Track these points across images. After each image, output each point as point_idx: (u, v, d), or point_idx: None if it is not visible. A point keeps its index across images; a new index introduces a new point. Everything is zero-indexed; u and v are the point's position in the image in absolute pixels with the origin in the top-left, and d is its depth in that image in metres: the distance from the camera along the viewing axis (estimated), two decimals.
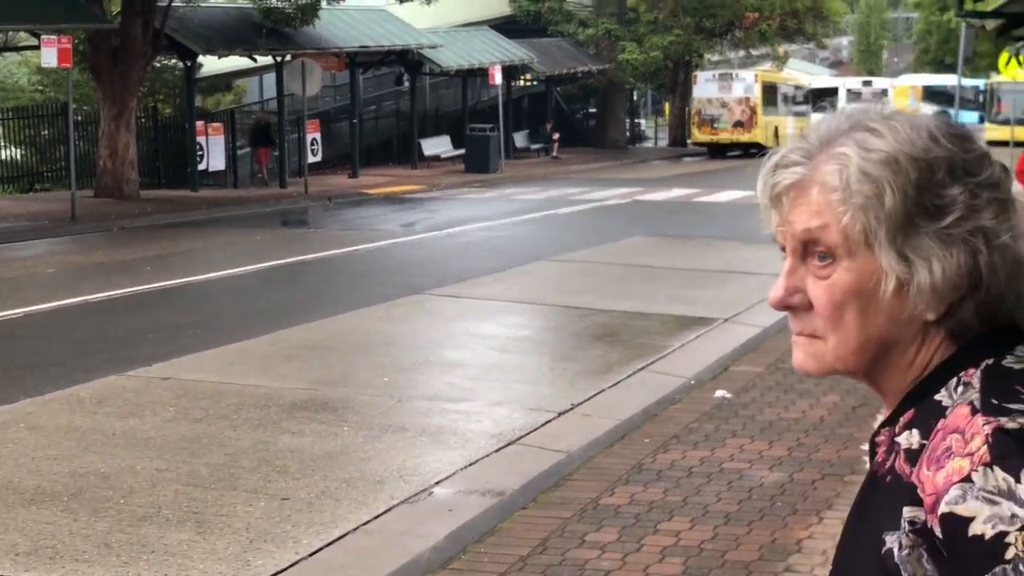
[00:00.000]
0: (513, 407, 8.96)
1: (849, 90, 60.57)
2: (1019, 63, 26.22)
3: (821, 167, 1.34)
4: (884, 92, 61.48)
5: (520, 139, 45.48)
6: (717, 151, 46.41)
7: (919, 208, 1.30)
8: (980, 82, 57.10)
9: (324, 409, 8.83)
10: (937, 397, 1.32)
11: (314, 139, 32.35)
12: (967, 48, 24.20)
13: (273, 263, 17.08)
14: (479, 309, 13.42)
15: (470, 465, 7.48)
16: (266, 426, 8.36)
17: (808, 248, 1.36)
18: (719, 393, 8.93)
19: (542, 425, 8.38)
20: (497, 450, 7.82)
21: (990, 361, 1.31)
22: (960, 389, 1.31)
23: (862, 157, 1.31)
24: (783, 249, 1.40)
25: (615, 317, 12.66)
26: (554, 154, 43.96)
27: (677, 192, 29.30)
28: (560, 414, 8.68)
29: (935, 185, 1.30)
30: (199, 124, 29.75)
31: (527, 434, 8.16)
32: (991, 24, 17.45)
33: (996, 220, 1.31)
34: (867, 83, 63.52)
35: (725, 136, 46.04)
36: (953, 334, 1.34)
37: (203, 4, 31.01)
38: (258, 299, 14.35)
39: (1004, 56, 27.04)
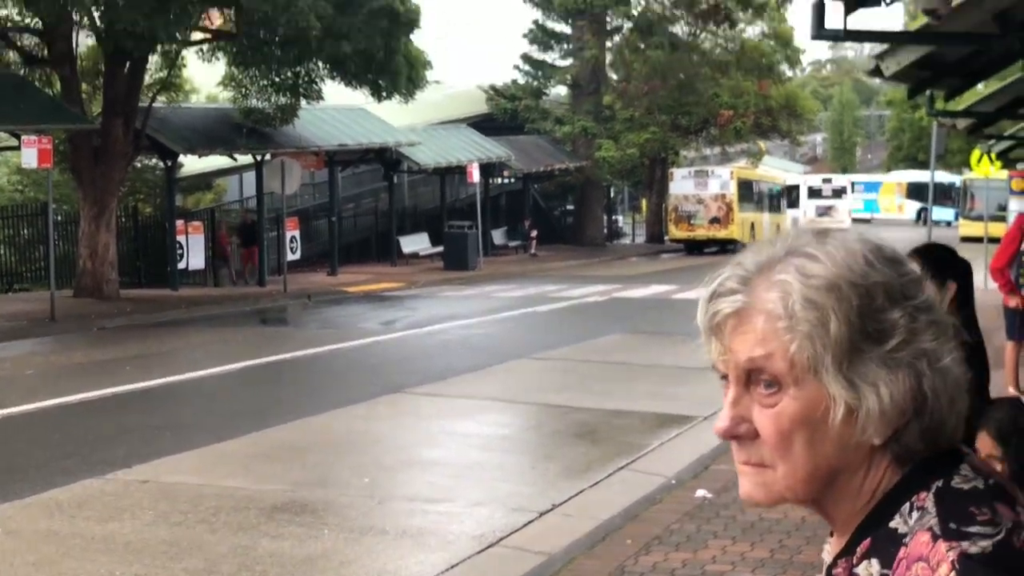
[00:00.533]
0: (494, 507, 8.94)
1: (810, 187, 61.61)
2: (991, 160, 26.58)
3: (762, 295, 1.33)
4: (843, 189, 62.67)
5: (498, 236, 45.72)
6: (694, 247, 46.73)
7: (863, 334, 1.30)
8: (957, 178, 58.10)
9: (304, 511, 8.80)
10: (892, 524, 1.32)
11: (293, 237, 32.50)
12: (939, 146, 24.53)
13: (252, 362, 17.07)
14: (460, 407, 13.42)
15: (451, 568, 7.46)
16: (246, 529, 8.32)
17: (752, 376, 1.35)
18: (700, 493, 8.93)
19: (523, 526, 8.37)
20: (479, 552, 7.80)
21: (940, 483, 1.31)
22: (915, 515, 1.30)
23: (804, 284, 1.31)
24: (723, 378, 1.39)
25: (595, 415, 12.69)
26: (532, 251, 44.19)
27: (655, 289, 29.45)
28: (541, 514, 8.67)
29: (876, 310, 1.31)
30: (179, 223, 29.85)
31: (508, 535, 8.14)
32: (962, 123, 17.74)
33: (936, 342, 1.32)
34: (827, 180, 64.93)
35: (702, 232, 46.37)
36: (899, 458, 1.34)
37: (184, 105, 31.29)
38: (237, 399, 14.33)
39: (976, 153, 27.41)
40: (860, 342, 1.30)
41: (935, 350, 1.32)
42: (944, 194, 58.30)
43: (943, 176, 55.30)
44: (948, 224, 55.87)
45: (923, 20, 8.80)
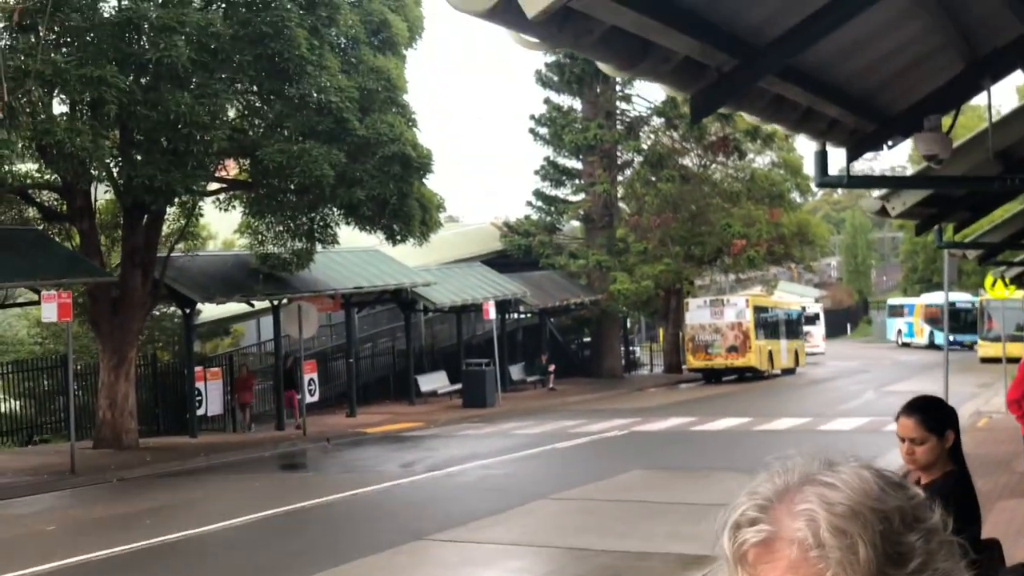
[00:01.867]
0: None
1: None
2: (1005, 284, 26.77)
3: (787, 524, 1.37)
4: (816, 316, 64.81)
5: (516, 371, 45.73)
6: (713, 376, 46.72)
7: (887, 558, 1.34)
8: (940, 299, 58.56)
9: None
10: None
11: (311, 379, 32.58)
12: (951, 272, 24.73)
13: (272, 511, 17.02)
14: (481, 554, 13.36)
15: None
16: None
17: None
18: None
19: None
20: None
21: None
22: None
23: (829, 512, 1.36)
24: None
25: (616, 558, 12.61)
26: (550, 386, 44.17)
27: (674, 421, 29.37)
28: None
29: (895, 534, 1.36)
30: (198, 369, 30.01)
31: None
32: (972, 253, 17.89)
33: (950, 562, 1.38)
34: (803, 308, 66.49)
35: (720, 361, 46.38)
36: None
37: (201, 253, 31.65)
38: (259, 551, 14.27)
39: (989, 278, 27.61)
40: (884, 565, 1.35)
41: (950, 570, 1.38)
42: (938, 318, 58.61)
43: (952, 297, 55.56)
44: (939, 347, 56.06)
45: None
